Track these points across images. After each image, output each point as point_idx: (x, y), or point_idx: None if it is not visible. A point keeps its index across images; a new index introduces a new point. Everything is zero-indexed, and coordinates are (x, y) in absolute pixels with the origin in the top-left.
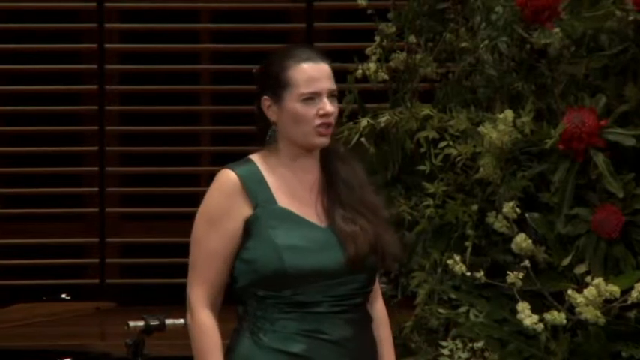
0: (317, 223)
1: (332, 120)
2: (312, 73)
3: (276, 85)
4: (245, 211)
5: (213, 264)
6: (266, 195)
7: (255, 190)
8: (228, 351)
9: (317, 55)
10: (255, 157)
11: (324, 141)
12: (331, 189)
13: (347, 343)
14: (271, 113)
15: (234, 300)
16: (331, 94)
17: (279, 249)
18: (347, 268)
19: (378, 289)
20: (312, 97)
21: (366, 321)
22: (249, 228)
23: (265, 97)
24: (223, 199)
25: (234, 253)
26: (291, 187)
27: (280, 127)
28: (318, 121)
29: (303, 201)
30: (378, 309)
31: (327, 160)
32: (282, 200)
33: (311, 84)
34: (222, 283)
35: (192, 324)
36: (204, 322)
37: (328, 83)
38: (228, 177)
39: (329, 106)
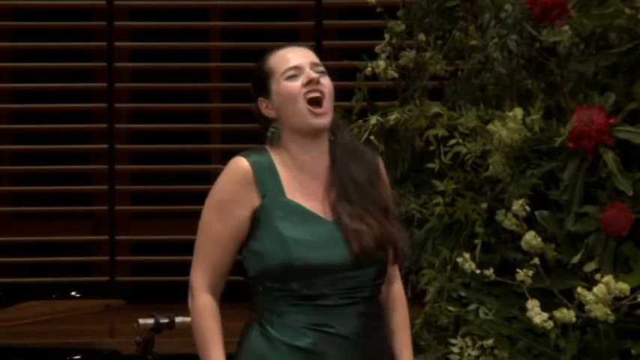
0: (323, 217)
1: (321, 88)
2: (288, 54)
3: (263, 80)
4: (254, 200)
5: (217, 250)
6: (275, 186)
7: (265, 180)
8: (239, 342)
9: (296, 45)
10: (269, 148)
11: (321, 121)
12: (340, 184)
13: (355, 338)
14: (269, 111)
15: (247, 292)
16: (315, 67)
17: (286, 241)
18: (352, 263)
19: (395, 273)
20: (295, 74)
21: (376, 315)
22: (257, 218)
23: (260, 98)
24: (233, 186)
25: (240, 240)
26: (301, 181)
27: (280, 118)
28: (305, 90)
29: (311, 194)
30: (395, 289)
31: (338, 155)
32: (291, 193)
33: (290, 60)
34: (225, 269)
35: (193, 307)
36: (204, 305)
37: (309, 57)
38: (240, 164)
39: (313, 73)
